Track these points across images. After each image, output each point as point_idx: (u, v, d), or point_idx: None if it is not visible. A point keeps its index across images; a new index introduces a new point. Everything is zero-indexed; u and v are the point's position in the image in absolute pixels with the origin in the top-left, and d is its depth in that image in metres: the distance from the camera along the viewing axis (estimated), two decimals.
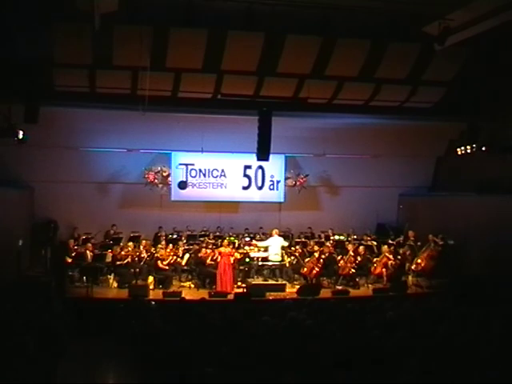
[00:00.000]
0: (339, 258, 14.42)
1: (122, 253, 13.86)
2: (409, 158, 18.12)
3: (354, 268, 14.24)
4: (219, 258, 13.57)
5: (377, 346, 7.15)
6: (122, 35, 12.77)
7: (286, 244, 14.95)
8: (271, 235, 14.98)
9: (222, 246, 13.99)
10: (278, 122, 14.53)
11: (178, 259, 14.22)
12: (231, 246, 14.37)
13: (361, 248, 14.77)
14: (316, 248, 14.78)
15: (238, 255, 14.19)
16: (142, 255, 13.91)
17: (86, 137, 16.46)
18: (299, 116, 16.42)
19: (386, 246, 14.71)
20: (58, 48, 12.85)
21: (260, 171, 18.00)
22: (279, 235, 15.06)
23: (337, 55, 13.92)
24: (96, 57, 13.21)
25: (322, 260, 14.09)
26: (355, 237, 16.27)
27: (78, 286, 13.26)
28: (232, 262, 13.62)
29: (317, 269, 14.01)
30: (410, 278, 14.41)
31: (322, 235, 17.06)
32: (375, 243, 15.76)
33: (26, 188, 16.22)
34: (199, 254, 14.21)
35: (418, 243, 14.94)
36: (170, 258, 13.96)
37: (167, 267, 13.78)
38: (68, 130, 15.90)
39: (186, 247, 14.95)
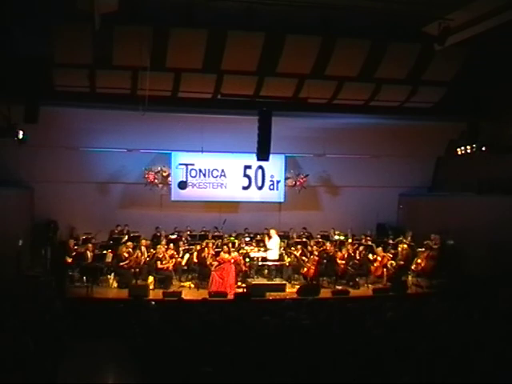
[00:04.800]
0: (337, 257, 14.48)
1: (125, 254, 13.81)
2: (409, 158, 18.12)
3: (352, 267, 14.30)
4: (219, 264, 13.49)
5: (377, 346, 7.15)
6: (122, 35, 12.76)
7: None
8: (270, 235, 14.99)
9: (222, 251, 13.86)
10: (278, 122, 14.53)
11: (179, 259, 14.23)
12: (232, 248, 14.37)
13: (361, 248, 14.82)
14: (315, 248, 14.82)
15: (241, 259, 14.13)
16: (143, 256, 13.91)
17: (86, 137, 16.48)
18: (299, 116, 16.44)
19: (380, 248, 14.74)
20: (58, 48, 12.84)
21: (260, 171, 18.02)
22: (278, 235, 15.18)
23: (337, 55, 13.91)
24: (96, 57, 13.20)
25: (320, 260, 14.11)
26: (349, 236, 16.31)
27: (78, 286, 13.24)
28: (233, 267, 13.50)
29: (313, 267, 14.03)
30: (409, 278, 14.42)
31: (319, 235, 17.02)
32: (373, 244, 15.73)
33: (26, 188, 16.22)
34: (201, 255, 14.19)
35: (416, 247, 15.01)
36: (171, 261, 13.92)
37: (169, 266, 13.74)
38: (68, 130, 15.91)
39: (186, 247, 14.95)
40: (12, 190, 14.86)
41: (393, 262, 14.41)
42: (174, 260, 14.04)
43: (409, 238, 15.56)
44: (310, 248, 15.16)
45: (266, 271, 15.00)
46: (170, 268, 13.90)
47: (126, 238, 15.59)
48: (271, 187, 18.23)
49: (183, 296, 11.81)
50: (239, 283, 13.83)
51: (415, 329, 8.06)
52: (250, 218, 17.88)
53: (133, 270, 13.62)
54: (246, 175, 18.05)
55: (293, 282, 14.44)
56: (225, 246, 13.97)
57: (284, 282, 14.02)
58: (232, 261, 13.50)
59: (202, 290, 13.41)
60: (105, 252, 14.09)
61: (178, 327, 8.22)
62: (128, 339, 9.02)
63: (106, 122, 15.91)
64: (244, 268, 14.20)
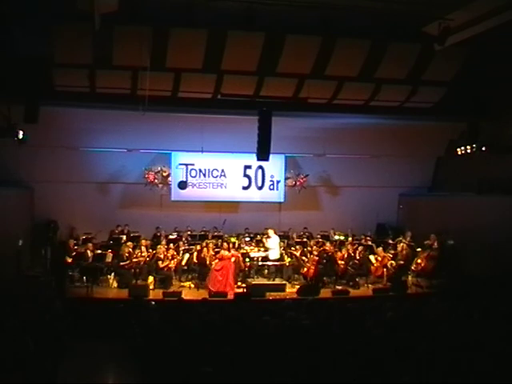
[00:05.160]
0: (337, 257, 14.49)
1: (126, 254, 13.82)
2: (409, 158, 18.11)
3: (352, 267, 14.32)
4: (220, 262, 13.51)
5: (377, 346, 7.15)
6: (122, 35, 12.76)
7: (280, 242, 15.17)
8: (268, 235, 15.00)
9: (222, 248, 13.90)
10: (278, 122, 14.53)
11: (179, 257, 14.25)
12: (232, 247, 14.42)
13: (360, 248, 14.84)
14: (315, 248, 14.83)
15: (240, 256, 14.14)
16: (143, 255, 13.93)
17: (86, 137, 16.47)
18: (299, 116, 16.43)
19: (380, 248, 14.75)
20: (58, 48, 12.84)
21: (260, 171, 18.01)
22: (277, 235, 15.24)
23: (337, 55, 13.91)
24: (96, 57, 13.20)
25: (320, 260, 14.13)
26: (351, 236, 16.32)
27: (78, 286, 13.25)
28: (233, 265, 13.54)
29: (313, 267, 14.05)
30: (409, 278, 14.43)
31: (319, 235, 17.03)
32: (373, 244, 15.74)
33: (26, 188, 16.23)
34: (201, 255, 14.21)
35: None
36: (172, 262, 13.95)
37: (171, 266, 13.77)
38: (68, 130, 15.90)
39: (186, 247, 14.95)
40: (12, 189, 14.86)
41: (393, 261, 14.41)
42: (175, 260, 14.05)
43: (408, 238, 15.58)
44: (309, 248, 15.17)
45: (266, 271, 15.01)
46: (172, 268, 13.91)
47: (125, 238, 15.59)
48: (271, 187, 18.22)
49: (183, 296, 11.82)
50: (239, 283, 13.87)
51: (415, 329, 8.06)
52: (249, 217, 17.87)
53: (133, 270, 13.64)
54: (245, 175, 18.05)
55: (293, 282, 14.45)
56: (224, 243, 14.01)
57: (284, 282, 14.03)
58: (232, 259, 13.53)
59: (201, 290, 13.43)
60: (105, 252, 14.09)
61: (178, 327, 8.23)
62: (128, 339, 9.02)
63: (106, 122, 15.90)
64: (243, 266, 14.18)
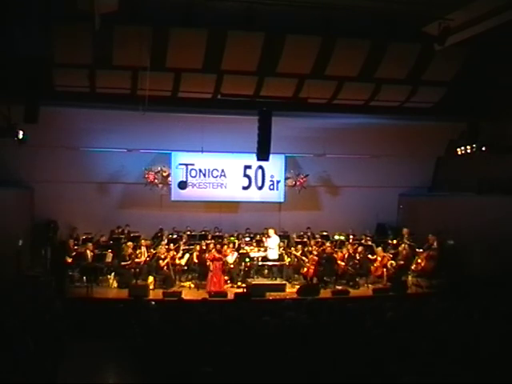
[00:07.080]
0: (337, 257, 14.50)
1: (128, 254, 13.84)
2: (409, 158, 18.11)
3: (353, 267, 14.31)
4: (211, 263, 13.57)
5: (377, 346, 7.15)
6: (122, 35, 12.78)
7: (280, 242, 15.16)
8: (268, 235, 15.01)
9: (215, 248, 13.94)
10: (278, 122, 14.53)
11: (179, 255, 14.26)
12: (228, 247, 14.46)
13: (359, 248, 14.84)
14: (315, 248, 14.83)
15: (230, 260, 14.18)
16: (144, 256, 13.94)
17: (86, 137, 16.48)
18: (299, 116, 16.43)
19: (380, 248, 14.75)
20: (58, 48, 12.87)
21: (260, 171, 18.01)
22: (277, 235, 15.24)
23: (337, 55, 13.93)
24: (96, 57, 13.22)
25: (320, 260, 14.13)
26: (352, 236, 16.32)
27: (78, 286, 13.26)
28: (221, 265, 13.59)
29: (312, 267, 14.06)
30: (409, 278, 14.43)
31: (319, 235, 17.04)
32: (374, 244, 15.74)
33: (26, 188, 16.23)
34: (203, 255, 14.22)
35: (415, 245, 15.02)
36: (173, 260, 13.97)
37: (180, 264, 13.87)
38: (68, 130, 15.91)
39: (186, 247, 14.96)
40: (12, 189, 14.87)
41: (393, 262, 14.42)
42: (176, 260, 14.06)
43: (406, 236, 15.57)
44: (310, 248, 15.17)
45: (266, 271, 15.01)
46: (177, 267, 13.93)
47: (124, 238, 15.58)
48: (271, 187, 18.22)
49: (183, 296, 11.83)
50: (239, 283, 13.89)
51: (415, 329, 8.06)
52: (249, 217, 17.88)
53: (133, 270, 13.64)
54: (246, 175, 18.05)
55: (293, 282, 14.45)
56: (218, 245, 14.09)
57: (284, 282, 14.03)
58: (230, 256, 13.68)
59: (201, 290, 13.45)
60: (105, 252, 14.08)
61: (177, 327, 8.23)
62: (128, 339, 9.02)
63: (106, 121, 15.90)
64: (228, 268, 14.17)
